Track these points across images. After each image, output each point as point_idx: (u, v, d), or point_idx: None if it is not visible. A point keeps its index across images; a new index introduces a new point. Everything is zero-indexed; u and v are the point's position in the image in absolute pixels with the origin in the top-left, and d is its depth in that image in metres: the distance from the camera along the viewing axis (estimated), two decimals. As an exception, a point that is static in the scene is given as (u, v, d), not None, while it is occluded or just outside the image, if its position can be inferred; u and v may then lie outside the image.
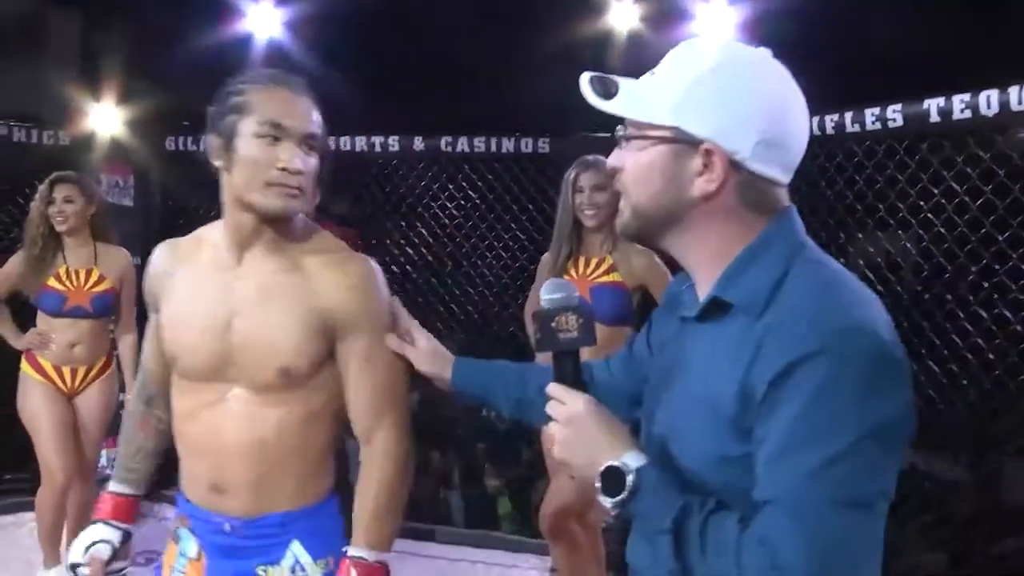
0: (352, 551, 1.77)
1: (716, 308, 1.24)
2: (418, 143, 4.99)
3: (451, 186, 5.25)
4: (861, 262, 4.20)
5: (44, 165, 4.74)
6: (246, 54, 6.71)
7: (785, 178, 1.25)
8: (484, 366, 1.76)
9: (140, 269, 4.27)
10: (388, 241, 5.45)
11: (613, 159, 1.31)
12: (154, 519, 4.82)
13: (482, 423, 6.95)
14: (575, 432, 1.27)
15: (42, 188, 3.97)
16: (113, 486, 1.99)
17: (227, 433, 1.77)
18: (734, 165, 1.21)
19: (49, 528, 3.99)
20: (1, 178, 5.42)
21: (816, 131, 3.83)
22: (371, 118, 5.27)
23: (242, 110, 1.71)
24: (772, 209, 1.24)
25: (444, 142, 4.94)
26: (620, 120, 1.30)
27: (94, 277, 4.00)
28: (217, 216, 1.83)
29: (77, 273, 3.98)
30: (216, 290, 1.77)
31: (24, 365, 4.03)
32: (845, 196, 3.93)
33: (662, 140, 1.24)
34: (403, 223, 5.46)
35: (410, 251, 5.48)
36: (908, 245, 4.15)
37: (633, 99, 1.26)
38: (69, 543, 3.98)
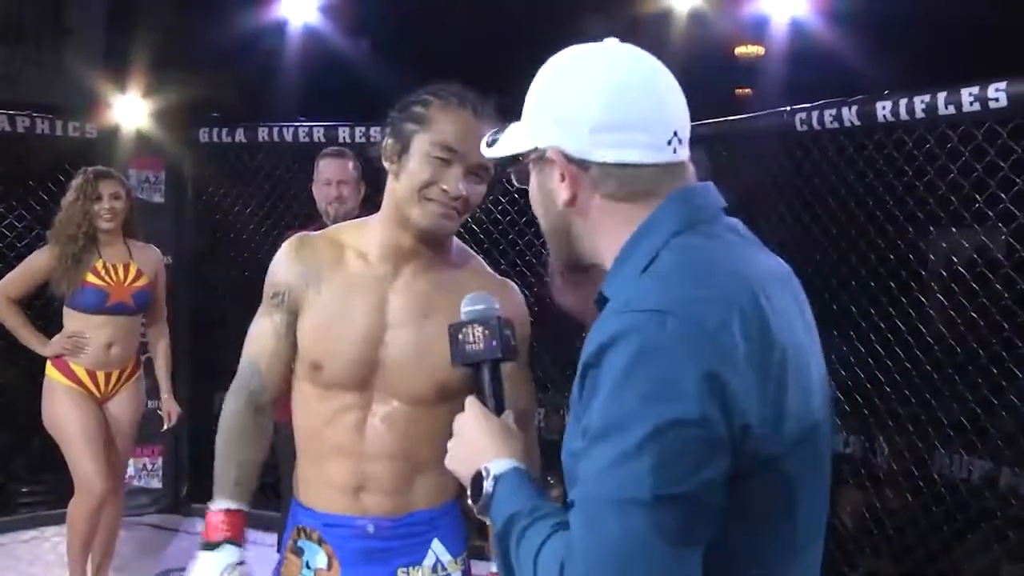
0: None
1: (601, 306, 1.20)
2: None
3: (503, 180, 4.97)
4: (955, 259, 3.88)
5: (69, 159, 4.51)
6: (280, 41, 6.44)
7: (655, 159, 1.18)
8: None
9: (170, 269, 4.10)
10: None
11: None
12: (184, 533, 4.64)
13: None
14: (460, 441, 1.30)
15: (82, 184, 3.78)
16: (228, 503, 1.83)
17: (374, 437, 1.80)
18: (579, 163, 1.18)
19: (82, 542, 3.83)
20: (23, 172, 5.09)
21: (905, 115, 3.56)
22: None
23: (421, 122, 1.73)
24: (651, 196, 1.19)
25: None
26: None
27: (132, 272, 3.85)
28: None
29: (115, 268, 3.82)
30: (370, 302, 1.80)
31: (51, 371, 3.82)
32: (937, 187, 3.61)
33: (531, 166, 1.25)
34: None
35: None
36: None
37: (503, 139, 1.29)
38: (97, 558, 3.89)
